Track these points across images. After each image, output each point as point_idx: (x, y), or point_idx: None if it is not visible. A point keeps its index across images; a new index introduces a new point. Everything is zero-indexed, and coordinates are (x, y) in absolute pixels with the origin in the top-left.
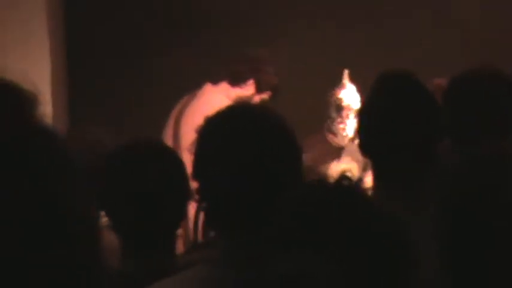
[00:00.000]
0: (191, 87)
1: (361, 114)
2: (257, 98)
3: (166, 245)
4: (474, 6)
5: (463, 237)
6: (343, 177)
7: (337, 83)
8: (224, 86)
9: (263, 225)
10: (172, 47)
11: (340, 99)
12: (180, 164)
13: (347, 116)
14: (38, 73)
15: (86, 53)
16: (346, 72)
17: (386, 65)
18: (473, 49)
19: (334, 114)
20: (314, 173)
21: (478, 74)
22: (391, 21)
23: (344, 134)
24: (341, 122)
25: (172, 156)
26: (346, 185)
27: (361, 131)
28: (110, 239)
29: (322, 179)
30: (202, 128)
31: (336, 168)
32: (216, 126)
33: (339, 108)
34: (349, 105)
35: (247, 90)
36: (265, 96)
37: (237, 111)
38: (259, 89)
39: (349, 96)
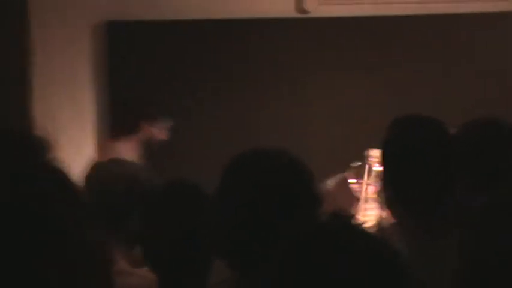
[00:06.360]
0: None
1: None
2: (157, 132)
3: (200, 280)
4: (498, 55)
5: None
6: (342, 216)
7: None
8: (124, 139)
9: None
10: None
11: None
12: None
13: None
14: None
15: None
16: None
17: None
18: (494, 96)
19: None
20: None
21: (477, 123)
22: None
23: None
24: (360, 183)
25: (205, 195)
26: (352, 225)
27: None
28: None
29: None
30: (225, 169)
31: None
32: (236, 168)
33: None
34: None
35: (145, 134)
36: (163, 124)
37: (256, 154)
38: (151, 123)
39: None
